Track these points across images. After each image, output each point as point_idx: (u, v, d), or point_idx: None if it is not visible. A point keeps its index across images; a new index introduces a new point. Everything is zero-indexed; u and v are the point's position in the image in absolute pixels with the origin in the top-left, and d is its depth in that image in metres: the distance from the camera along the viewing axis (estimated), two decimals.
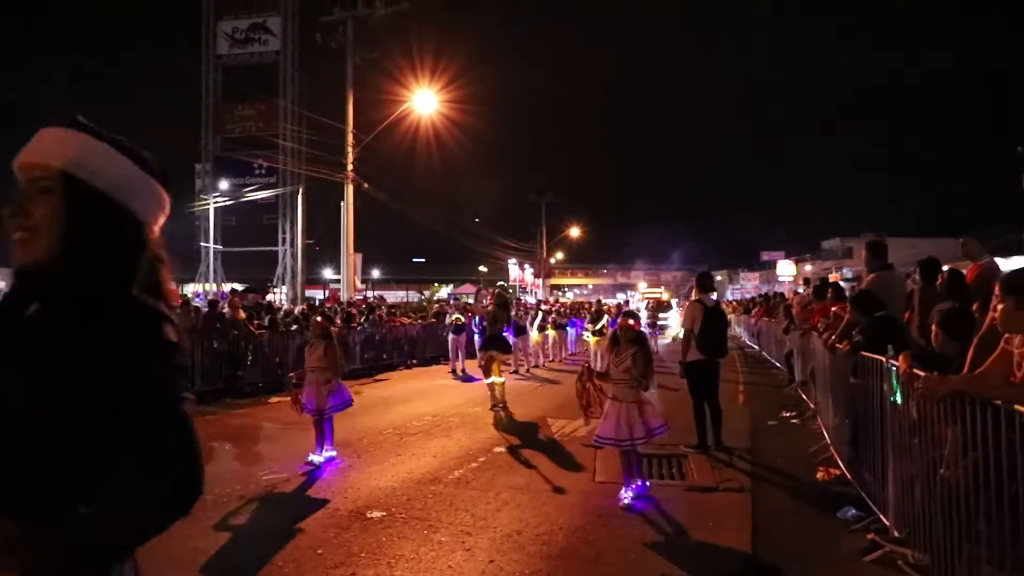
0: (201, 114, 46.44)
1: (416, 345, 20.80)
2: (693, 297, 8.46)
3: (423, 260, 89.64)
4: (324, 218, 38.00)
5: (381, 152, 35.52)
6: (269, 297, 41.09)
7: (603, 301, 19.87)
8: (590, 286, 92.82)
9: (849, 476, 6.29)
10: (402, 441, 8.77)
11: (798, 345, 12.13)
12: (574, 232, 72.37)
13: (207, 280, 42.78)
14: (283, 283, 44.59)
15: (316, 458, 7.38)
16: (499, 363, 11.29)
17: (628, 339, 6.04)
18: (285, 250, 45.80)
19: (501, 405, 11.02)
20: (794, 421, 9.93)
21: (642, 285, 74.15)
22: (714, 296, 8.70)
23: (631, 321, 6.17)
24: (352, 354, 17.56)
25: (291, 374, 7.65)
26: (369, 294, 54.23)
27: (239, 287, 19.30)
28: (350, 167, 30.81)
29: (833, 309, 8.31)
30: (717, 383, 8.12)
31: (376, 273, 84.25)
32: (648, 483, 6.35)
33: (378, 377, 16.86)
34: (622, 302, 22.52)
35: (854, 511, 5.45)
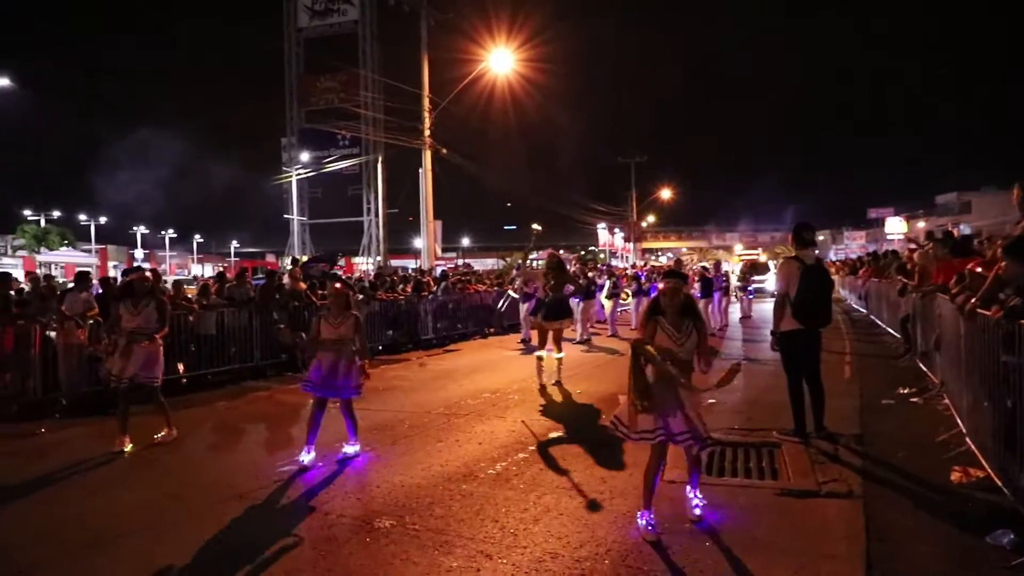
0: (285, 88, 46.83)
1: (493, 314, 19.92)
2: (789, 254, 6.98)
3: (514, 227, 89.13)
4: (406, 186, 37.58)
5: (461, 117, 34.66)
6: (361, 266, 41.33)
7: (682, 262, 18.20)
8: (684, 249, 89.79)
9: (999, 481, 4.81)
10: (449, 424, 7.77)
11: (918, 309, 10.35)
12: (665, 194, 69.56)
13: (295, 252, 43.34)
14: (368, 253, 44.75)
15: (306, 457, 6.21)
16: (557, 333, 10.08)
17: (676, 308, 4.55)
18: (370, 220, 45.92)
19: (556, 381, 9.91)
20: (914, 400, 8.29)
21: (738, 247, 70.80)
22: (816, 252, 7.17)
23: (674, 282, 4.61)
24: (424, 324, 16.87)
25: (300, 333, 6.66)
26: (459, 262, 54.04)
27: (298, 257, 18.93)
28: (427, 133, 30.08)
29: (969, 266, 6.65)
30: (819, 357, 6.63)
31: (466, 241, 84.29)
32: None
33: (449, 348, 16.04)
34: (705, 264, 20.62)
35: (1012, 536, 4.01)
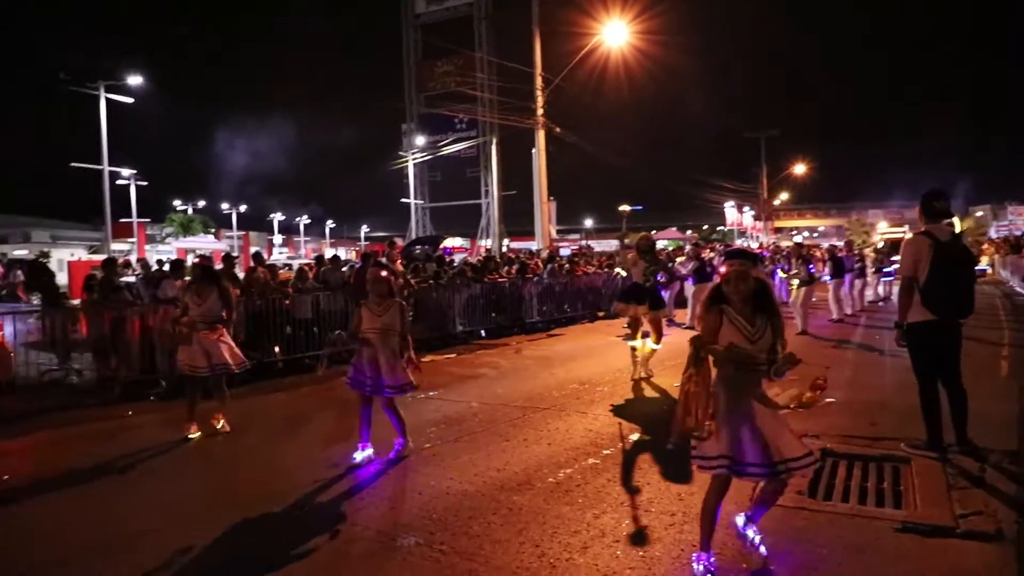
0: (404, 75, 47.60)
1: (602, 297, 19.08)
2: (918, 229, 5.71)
3: (640, 207, 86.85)
4: (522, 168, 37.23)
5: (576, 94, 33.72)
6: (482, 250, 41.54)
7: (801, 242, 16.44)
8: (821, 228, 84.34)
9: None
10: (523, 419, 7.09)
11: None
12: (799, 169, 65.21)
13: (413, 235, 44.04)
14: (485, 235, 44.79)
15: (359, 455, 5.80)
16: (651, 322, 9.16)
17: (744, 297, 3.56)
18: (488, 203, 45.97)
19: (646, 375, 8.99)
20: None
21: (882, 225, 65.41)
22: (955, 226, 5.89)
23: (739, 264, 3.57)
24: (529, 307, 16.30)
25: (339, 332, 6.16)
26: (582, 243, 53.21)
27: (394, 240, 18.98)
28: (540, 112, 29.45)
29: None
30: (958, 355, 5.39)
31: (589, 222, 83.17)
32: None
33: (553, 332, 15.36)
34: (837, 243, 18.46)
35: None
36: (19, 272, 17.20)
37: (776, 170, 64.67)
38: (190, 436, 6.78)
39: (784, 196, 73.08)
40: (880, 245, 24.88)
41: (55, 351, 10.01)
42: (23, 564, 4.05)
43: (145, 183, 43.68)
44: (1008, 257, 23.70)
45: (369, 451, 5.85)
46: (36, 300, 14.09)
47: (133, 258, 24.65)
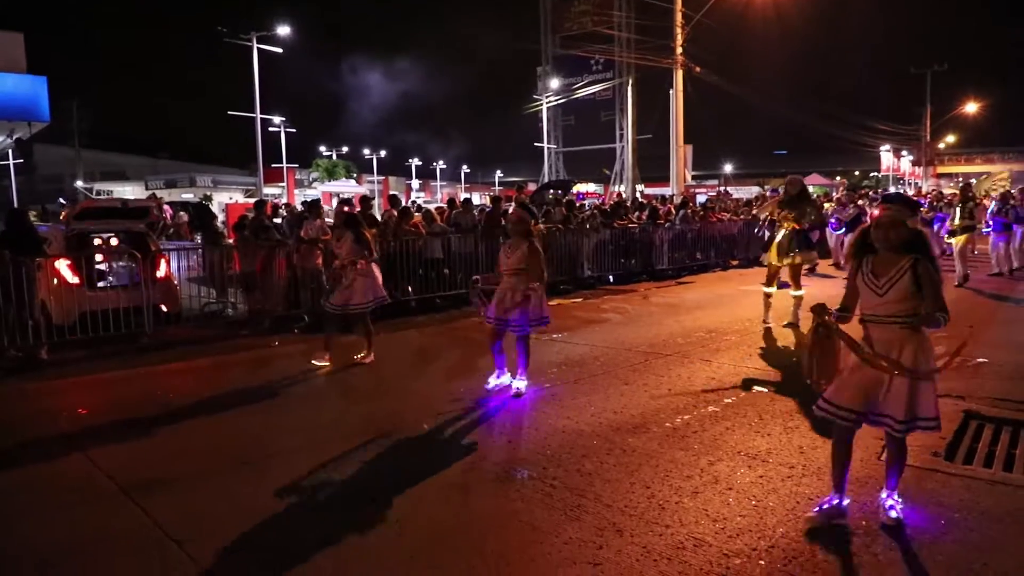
0: (540, 16, 46.96)
1: (737, 244, 18.39)
2: None
3: (784, 152, 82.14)
4: (659, 111, 36.01)
5: (719, 31, 32.05)
6: (615, 195, 41.09)
7: (970, 186, 14.82)
8: (992, 173, 76.22)
9: None
10: (645, 364, 7.04)
11: None
12: (970, 108, 58.77)
13: (546, 180, 44.00)
14: (620, 180, 44.04)
15: (494, 380, 6.11)
16: (794, 269, 8.78)
17: (890, 245, 3.32)
18: (622, 147, 45.08)
19: (788, 323, 8.65)
20: None
21: None
22: None
23: (894, 210, 3.34)
24: (659, 253, 16.01)
25: (476, 277, 6.33)
26: (721, 189, 51.30)
27: (522, 184, 18.86)
28: (678, 50, 28.30)
29: None
30: None
31: (729, 168, 79.91)
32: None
33: (683, 279, 15.05)
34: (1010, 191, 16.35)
35: None
36: (183, 213, 18.87)
37: (942, 110, 58.72)
38: (318, 365, 7.26)
39: (950, 139, 66.62)
40: None
41: (214, 285, 10.96)
42: (168, 474, 4.47)
43: (294, 130, 46.13)
44: None
45: (505, 377, 6.12)
46: (198, 239, 15.44)
47: (282, 201, 26.28)
